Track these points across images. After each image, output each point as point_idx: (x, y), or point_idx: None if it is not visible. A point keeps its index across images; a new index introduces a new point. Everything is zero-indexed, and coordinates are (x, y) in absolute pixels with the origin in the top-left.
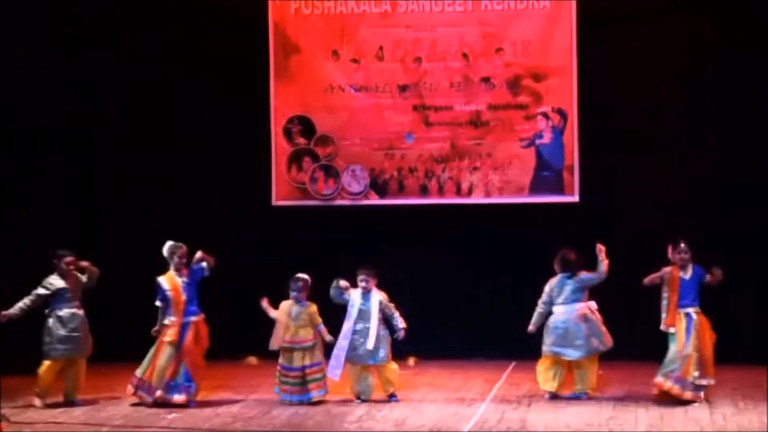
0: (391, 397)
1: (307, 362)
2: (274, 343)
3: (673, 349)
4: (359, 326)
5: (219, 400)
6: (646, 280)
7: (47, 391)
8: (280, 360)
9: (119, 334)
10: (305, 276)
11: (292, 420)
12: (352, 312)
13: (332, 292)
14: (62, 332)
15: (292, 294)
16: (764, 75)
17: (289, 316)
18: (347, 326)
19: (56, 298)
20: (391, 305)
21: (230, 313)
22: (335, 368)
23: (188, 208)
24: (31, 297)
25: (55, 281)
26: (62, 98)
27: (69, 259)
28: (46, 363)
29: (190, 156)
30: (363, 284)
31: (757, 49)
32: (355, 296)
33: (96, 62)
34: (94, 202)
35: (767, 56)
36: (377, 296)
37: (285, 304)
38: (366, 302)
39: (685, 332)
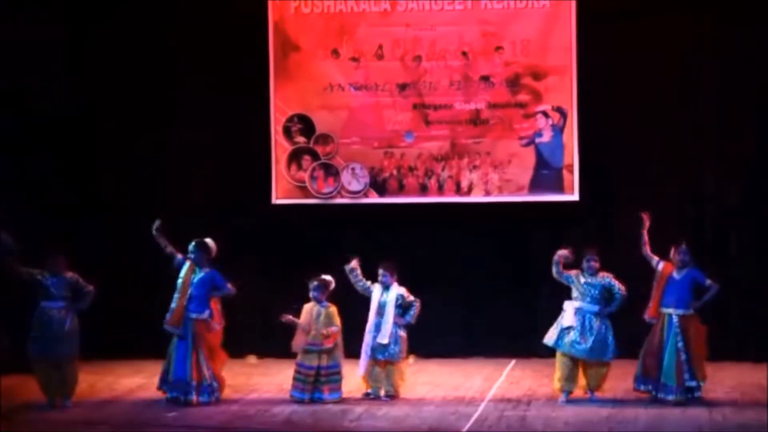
0: (384, 397)
1: (323, 363)
2: (297, 346)
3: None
4: (377, 320)
5: (220, 398)
6: (645, 248)
7: (45, 389)
8: (299, 358)
9: (119, 332)
10: (325, 277)
11: (292, 418)
12: (372, 307)
13: (350, 278)
14: (34, 332)
15: (312, 295)
16: (765, 74)
17: (311, 318)
18: (369, 321)
19: (41, 293)
20: (411, 299)
21: (229, 311)
22: (361, 364)
23: (188, 206)
24: (22, 269)
25: (39, 273)
26: (62, 94)
27: (57, 257)
28: (33, 362)
29: (190, 154)
30: (382, 279)
31: (757, 49)
32: (375, 291)
33: (95, 60)
34: (93, 200)
35: (767, 56)
36: (395, 291)
37: (308, 306)
38: (384, 297)
39: (662, 333)
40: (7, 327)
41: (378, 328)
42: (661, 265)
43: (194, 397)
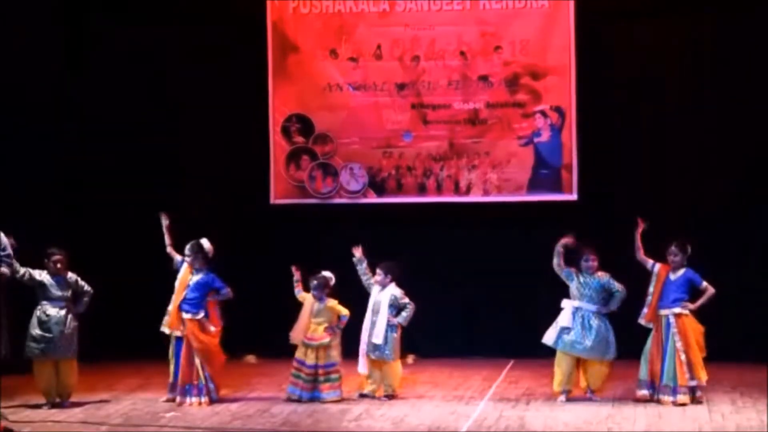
0: (383, 397)
1: (320, 362)
2: (295, 338)
3: (645, 352)
4: (372, 319)
5: (217, 399)
6: (639, 253)
7: (44, 390)
8: (297, 354)
9: (119, 333)
10: (325, 274)
11: (291, 418)
12: (369, 305)
13: (357, 270)
14: (36, 331)
15: (313, 293)
16: (764, 75)
17: (310, 312)
18: (366, 319)
19: (41, 293)
20: (406, 301)
21: (228, 311)
22: (361, 362)
23: (187, 206)
24: (22, 269)
25: (39, 274)
26: (62, 94)
27: (57, 257)
28: (33, 362)
29: (188, 154)
30: (378, 278)
31: (757, 49)
32: (374, 290)
33: (96, 60)
34: (92, 201)
35: (767, 56)
36: (390, 292)
37: (308, 300)
38: (379, 296)
39: (662, 335)
40: (6, 327)
41: (373, 326)
42: (657, 267)
43: (176, 397)
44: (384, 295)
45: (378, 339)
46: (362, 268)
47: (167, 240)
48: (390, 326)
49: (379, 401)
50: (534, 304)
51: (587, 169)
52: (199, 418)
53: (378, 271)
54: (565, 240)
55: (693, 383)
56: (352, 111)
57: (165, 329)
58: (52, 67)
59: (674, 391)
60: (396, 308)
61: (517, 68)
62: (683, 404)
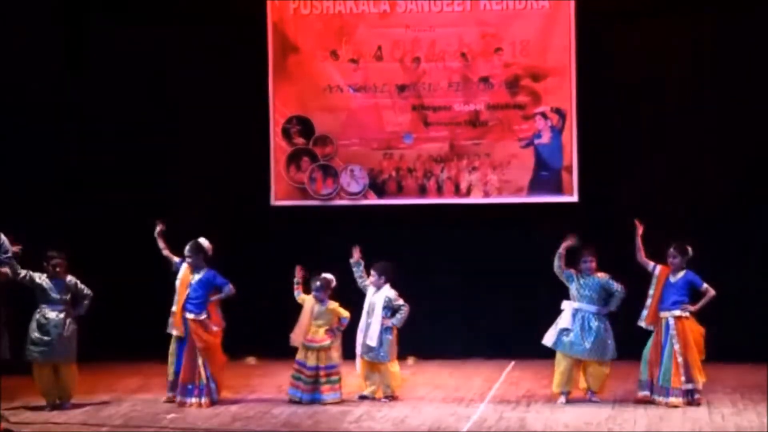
0: (383, 399)
1: (321, 363)
2: (296, 340)
3: (645, 352)
4: (367, 321)
5: (218, 400)
6: (640, 254)
7: (45, 393)
8: (297, 356)
9: (118, 334)
10: (326, 275)
11: (291, 419)
12: (364, 307)
13: (354, 272)
14: (35, 334)
15: (314, 295)
16: (764, 75)
17: (311, 314)
18: (361, 321)
19: (40, 296)
20: (400, 302)
21: (229, 312)
22: (357, 363)
23: (187, 206)
24: (23, 271)
25: (38, 277)
26: (62, 94)
27: (56, 261)
28: (33, 365)
29: (188, 155)
30: (373, 279)
31: (757, 49)
32: (369, 291)
33: (96, 60)
34: (92, 201)
35: (767, 56)
36: (384, 293)
37: (310, 301)
38: (374, 298)
39: (662, 338)
40: (7, 329)
41: (368, 328)
42: (657, 269)
43: (177, 397)
44: (378, 297)
45: (372, 341)
46: (359, 270)
47: (161, 244)
48: (385, 328)
49: (379, 402)
50: (534, 305)
51: (587, 171)
52: (200, 419)
53: (372, 272)
54: (568, 242)
55: (688, 386)
56: (352, 112)
57: (173, 331)
58: (52, 67)
59: (668, 393)
60: (390, 310)
61: (518, 70)
62: (675, 406)
